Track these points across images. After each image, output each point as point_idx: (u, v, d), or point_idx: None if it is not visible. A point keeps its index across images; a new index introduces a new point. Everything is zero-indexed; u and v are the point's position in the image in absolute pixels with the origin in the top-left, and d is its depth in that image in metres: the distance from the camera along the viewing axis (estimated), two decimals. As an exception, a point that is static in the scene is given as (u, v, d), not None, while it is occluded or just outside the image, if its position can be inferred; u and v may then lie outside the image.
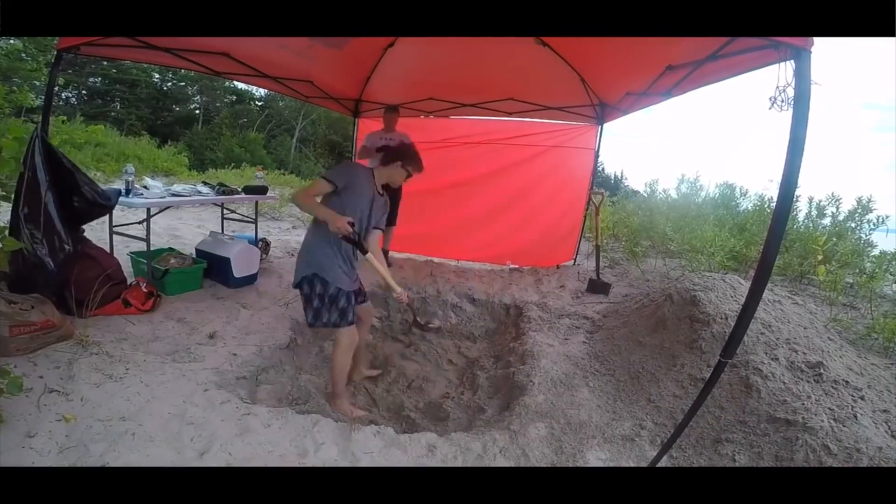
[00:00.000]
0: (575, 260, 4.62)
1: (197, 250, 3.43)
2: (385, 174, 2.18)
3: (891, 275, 3.43)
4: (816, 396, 1.79)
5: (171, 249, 3.31)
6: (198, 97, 23.39)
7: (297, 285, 2.08)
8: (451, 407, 2.39)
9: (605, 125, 4.20)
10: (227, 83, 21.64)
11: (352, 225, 1.96)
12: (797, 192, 3.95)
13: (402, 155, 2.19)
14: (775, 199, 1.34)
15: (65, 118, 9.58)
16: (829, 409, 1.73)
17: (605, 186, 9.64)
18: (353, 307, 2.11)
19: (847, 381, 1.91)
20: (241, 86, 21.82)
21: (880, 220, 4.02)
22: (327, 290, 2.02)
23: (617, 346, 2.60)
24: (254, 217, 4.26)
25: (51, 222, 2.14)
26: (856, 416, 1.69)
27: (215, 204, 4.29)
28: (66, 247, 2.18)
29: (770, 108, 1.38)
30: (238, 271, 3.18)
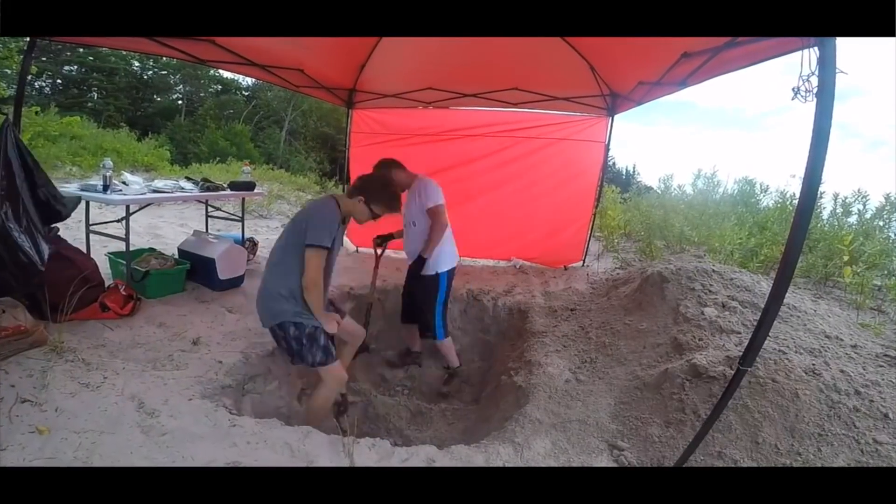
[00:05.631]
0: (584, 261, 4.62)
1: (179, 250, 3.43)
2: (347, 206, 2.10)
3: (922, 277, 3.43)
4: (838, 405, 1.79)
5: (151, 250, 3.31)
6: (180, 87, 23.37)
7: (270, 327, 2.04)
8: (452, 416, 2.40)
9: (616, 116, 4.20)
10: (211, 72, 21.62)
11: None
12: (821, 189, 3.96)
13: (368, 189, 2.07)
14: (798, 195, 1.34)
15: (38, 109, 9.60)
16: (853, 409, 1.73)
17: (617, 182, 9.66)
18: (329, 339, 2.06)
19: (869, 389, 1.90)
20: (226, 75, 21.85)
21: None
22: (303, 330, 1.97)
23: (629, 353, 2.60)
24: (240, 215, 4.26)
25: (31, 220, 2.14)
26: (887, 416, 1.69)
27: (199, 201, 4.28)
28: (48, 246, 2.18)
29: (793, 99, 1.38)
30: (223, 273, 3.18)
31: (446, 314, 2.84)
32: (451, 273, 2.77)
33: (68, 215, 2.40)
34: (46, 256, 2.15)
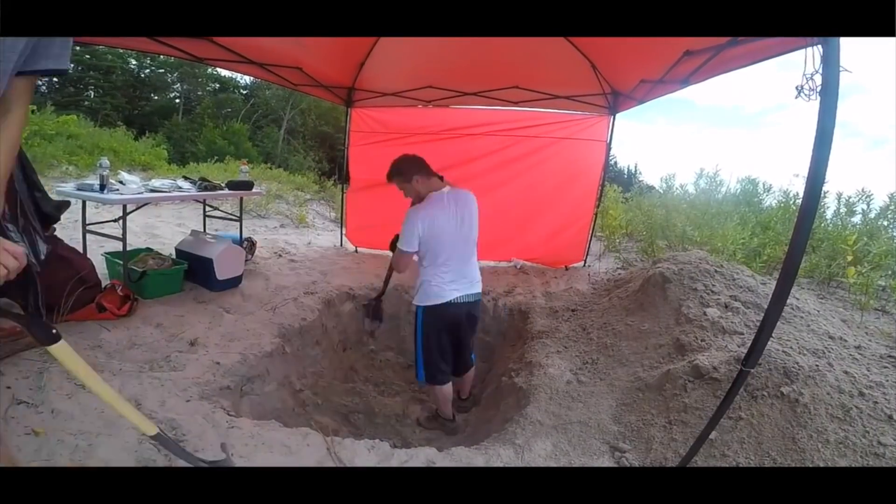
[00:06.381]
0: (585, 261, 4.62)
1: (177, 250, 3.43)
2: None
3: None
4: (842, 407, 1.79)
5: (148, 250, 3.31)
6: (178, 85, 23.39)
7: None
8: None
9: (618, 115, 4.20)
10: (209, 70, 21.63)
11: None
12: (825, 188, 3.95)
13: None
14: (801, 195, 1.34)
15: (34, 108, 9.60)
16: (857, 410, 1.73)
17: (618, 181, 9.67)
18: None
19: (873, 390, 1.90)
20: (224, 73, 21.86)
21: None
22: None
23: (631, 354, 2.60)
24: (238, 215, 4.27)
25: (28, 220, 2.14)
26: (890, 416, 1.69)
27: (197, 200, 4.29)
28: (46, 246, 2.18)
29: (797, 97, 1.39)
30: (221, 273, 3.18)
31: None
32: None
33: (57, 219, 2.39)
34: (43, 257, 2.14)
